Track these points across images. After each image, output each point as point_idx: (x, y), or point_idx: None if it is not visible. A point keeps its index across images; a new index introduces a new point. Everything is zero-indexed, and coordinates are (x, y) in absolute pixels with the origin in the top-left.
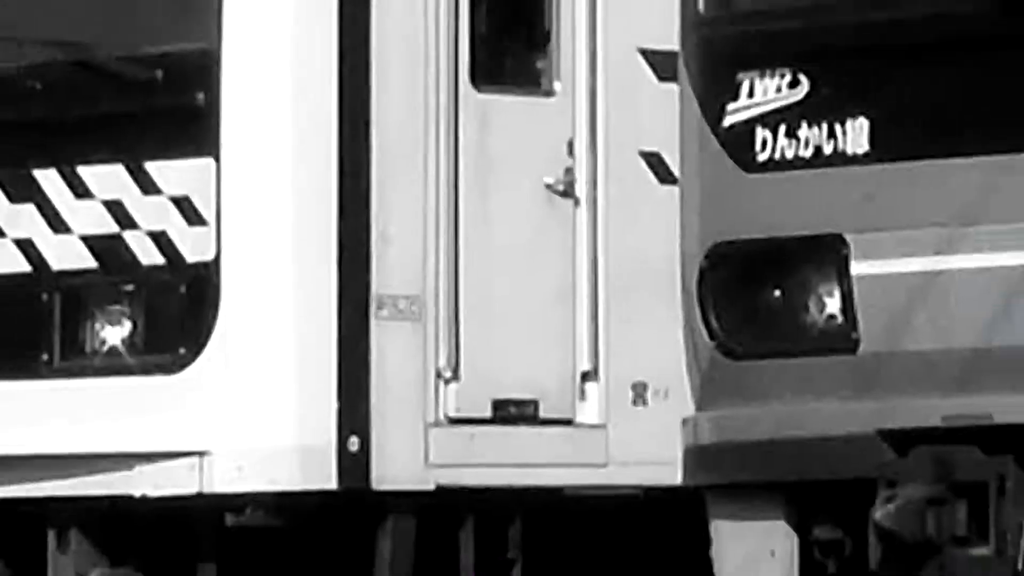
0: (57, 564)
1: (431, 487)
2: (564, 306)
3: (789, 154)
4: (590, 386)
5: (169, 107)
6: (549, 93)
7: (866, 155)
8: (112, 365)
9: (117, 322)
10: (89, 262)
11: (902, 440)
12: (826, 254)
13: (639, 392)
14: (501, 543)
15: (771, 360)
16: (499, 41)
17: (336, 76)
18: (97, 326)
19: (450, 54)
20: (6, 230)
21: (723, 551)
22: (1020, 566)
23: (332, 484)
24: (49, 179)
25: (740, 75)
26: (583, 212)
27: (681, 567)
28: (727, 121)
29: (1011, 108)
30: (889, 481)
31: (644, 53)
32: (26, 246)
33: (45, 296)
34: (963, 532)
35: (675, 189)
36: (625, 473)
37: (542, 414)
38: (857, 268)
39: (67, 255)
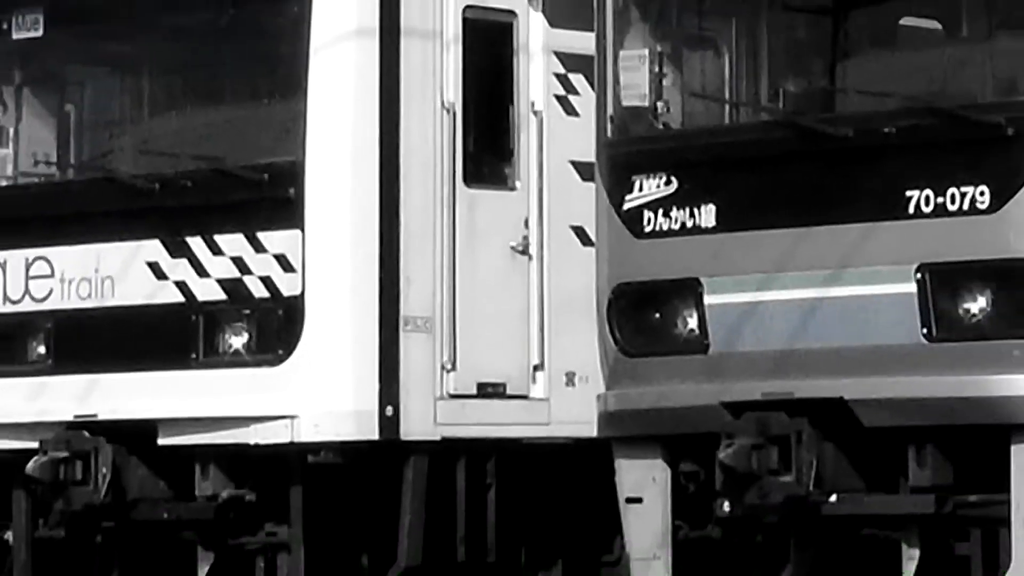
0: (201, 487)
1: (438, 438)
2: (522, 323)
3: (665, 227)
4: (539, 374)
5: (272, 198)
6: (512, 188)
7: (713, 228)
8: (236, 360)
9: (239, 333)
10: (221, 296)
11: (736, 409)
12: (688, 291)
13: (570, 378)
14: (482, 473)
15: (653, 358)
16: (481, 155)
17: (377, 179)
18: (226, 336)
19: (449, 164)
20: (169, 275)
21: (622, 478)
22: (811, 487)
23: (375, 436)
24: (196, 243)
25: (633, 177)
26: (534, 264)
27: (595, 488)
28: (625, 207)
29: (804, 199)
30: (728, 434)
31: (573, 163)
32: (181, 286)
33: (193, 317)
34: (775, 467)
35: (592, 250)
36: (561, 429)
37: (508, 392)
38: (708, 299)
39: (208, 291)
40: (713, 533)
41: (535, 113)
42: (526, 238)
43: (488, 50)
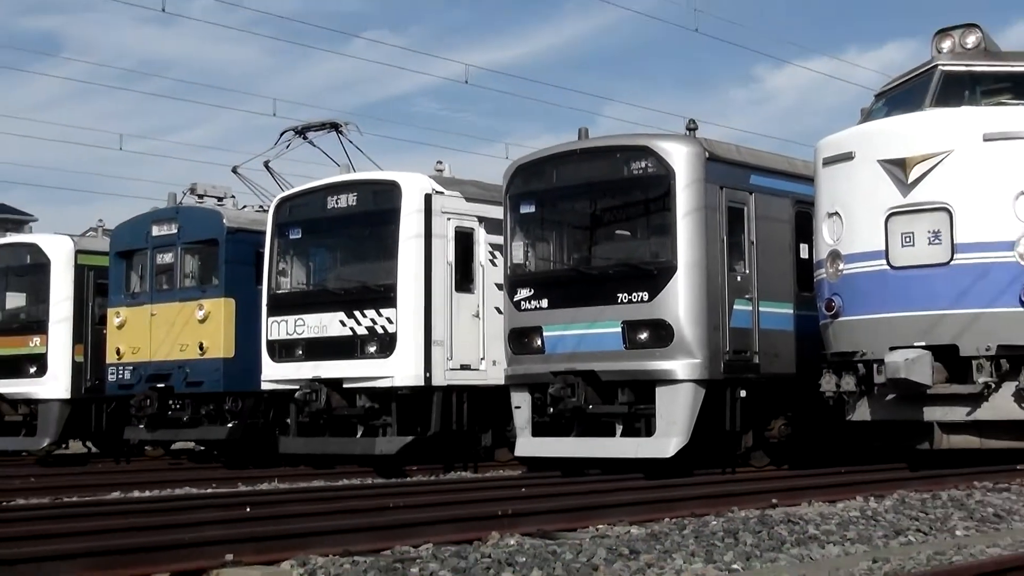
0: (358, 403)
1: (446, 385)
2: (477, 342)
3: (529, 307)
4: (483, 361)
5: (385, 296)
6: (473, 292)
7: (547, 307)
8: (371, 356)
9: (373, 346)
10: (366, 332)
11: (555, 374)
12: (537, 330)
13: (495, 362)
14: (462, 398)
15: (524, 355)
16: (461, 280)
17: (424, 290)
18: (368, 347)
19: (450, 283)
20: (346, 324)
21: (513, 399)
22: (582, 402)
23: (422, 384)
24: (357, 312)
25: (518, 288)
26: (481, 321)
27: (503, 403)
28: (514, 299)
29: (580, 297)
30: (551, 383)
31: (496, 283)
32: (352, 328)
33: (356, 341)
34: (570, 395)
35: (502, 315)
36: (491, 382)
37: (472, 368)
38: (545, 333)
39: (361, 331)
40: (547, 420)
41: (481, 265)
42: (479, 311)
43: (463, 242)
